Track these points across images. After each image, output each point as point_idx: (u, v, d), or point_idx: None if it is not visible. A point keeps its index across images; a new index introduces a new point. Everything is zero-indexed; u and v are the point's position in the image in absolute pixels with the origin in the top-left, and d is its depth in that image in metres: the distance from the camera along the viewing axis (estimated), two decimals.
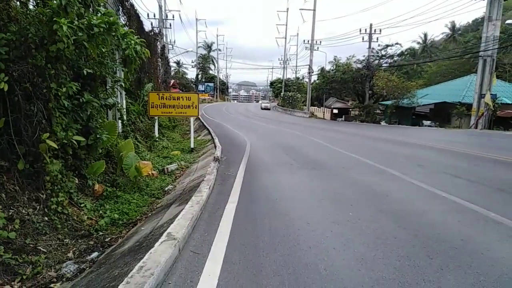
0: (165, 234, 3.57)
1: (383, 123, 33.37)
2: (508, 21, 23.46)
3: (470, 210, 4.86)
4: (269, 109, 58.98)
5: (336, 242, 3.72)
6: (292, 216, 4.64)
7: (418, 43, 63.64)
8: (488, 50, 23.20)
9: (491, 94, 23.19)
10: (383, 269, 3.10)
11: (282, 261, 3.26)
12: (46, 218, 4.52)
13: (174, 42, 41.39)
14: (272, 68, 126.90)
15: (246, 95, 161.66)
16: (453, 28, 61.45)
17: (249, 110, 52.95)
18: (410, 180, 6.85)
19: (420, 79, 48.83)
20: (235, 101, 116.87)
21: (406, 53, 50.46)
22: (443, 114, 29.11)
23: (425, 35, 62.97)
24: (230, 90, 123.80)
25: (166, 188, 7.44)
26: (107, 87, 7.68)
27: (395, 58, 39.80)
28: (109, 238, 4.86)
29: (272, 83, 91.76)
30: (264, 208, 5.01)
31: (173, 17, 37.46)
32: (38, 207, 4.55)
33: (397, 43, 38.59)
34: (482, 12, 32.19)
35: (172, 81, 37.45)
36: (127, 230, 5.25)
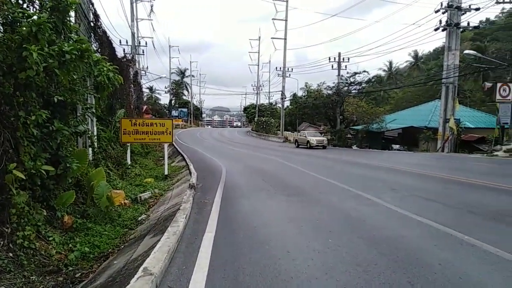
0: (141, 269, 3.39)
1: (354, 147, 34.17)
2: (466, 51, 25.08)
3: (445, 234, 4.96)
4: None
5: (317, 271, 3.66)
6: (272, 245, 4.56)
7: (384, 70, 66.81)
8: (450, 77, 24.63)
9: (455, 119, 24.41)
10: None
11: None
12: (10, 254, 4.20)
13: (147, 68, 41.00)
14: (246, 94, 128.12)
15: (220, 120, 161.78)
16: (416, 56, 65.04)
17: (224, 135, 52.93)
18: (385, 204, 6.96)
19: (387, 105, 51.08)
20: (209, 126, 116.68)
21: (373, 80, 52.66)
22: (411, 138, 30.27)
23: (390, 63, 66.33)
24: (204, 115, 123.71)
25: (140, 218, 7.17)
26: (78, 114, 7.47)
27: (363, 85, 41.34)
28: (79, 274, 4.57)
29: (245, 108, 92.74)
30: (243, 237, 4.91)
31: (146, 43, 37.36)
32: (2, 242, 4.23)
33: (364, 71, 40.08)
34: (442, 42, 34.33)
35: (145, 107, 37.00)
36: (99, 264, 4.96)
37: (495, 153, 20.33)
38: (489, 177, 10.70)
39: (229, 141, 39.58)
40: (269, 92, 76.68)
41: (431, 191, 8.70)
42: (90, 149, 9.03)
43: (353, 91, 39.25)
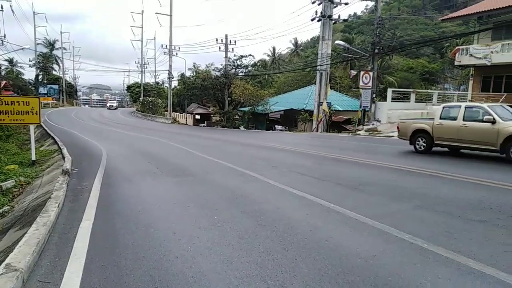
0: (2, 266, 2.99)
1: (242, 128, 35.50)
2: (337, 42, 28.07)
3: (316, 204, 5.62)
4: None
5: (202, 248, 3.78)
6: (157, 227, 4.50)
7: (268, 55, 70.12)
8: (323, 65, 27.30)
9: (327, 102, 27.31)
10: (247, 267, 3.31)
11: (147, 276, 3.13)
12: None
13: (4, 36, 34.72)
14: (129, 72, 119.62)
15: (99, 99, 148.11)
16: (296, 44, 70.07)
17: (104, 116, 48.79)
18: (267, 180, 7.48)
19: (271, 88, 54.09)
20: (87, 106, 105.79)
21: (258, 64, 55.03)
22: (291, 120, 32.98)
23: (274, 48, 69.92)
24: (79, 93, 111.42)
25: (1, 210, 6.23)
26: None
27: (249, 68, 42.82)
28: None
29: (129, 87, 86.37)
30: (126, 222, 4.72)
31: (2, 7, 31.54)
32: None
33: (250, 55, 41.60)
34: (318, 31, 37.67)
35: (4, 82, 31.39)
36: None
37: (358, 132, 23.58)
38: (353, 153, 12.38)
39: (110, 122, 36.76)
40: (155, 70, 73.42)
41: (307, 167, 9.68)
42: None
43: (240, 74, 40.36)
